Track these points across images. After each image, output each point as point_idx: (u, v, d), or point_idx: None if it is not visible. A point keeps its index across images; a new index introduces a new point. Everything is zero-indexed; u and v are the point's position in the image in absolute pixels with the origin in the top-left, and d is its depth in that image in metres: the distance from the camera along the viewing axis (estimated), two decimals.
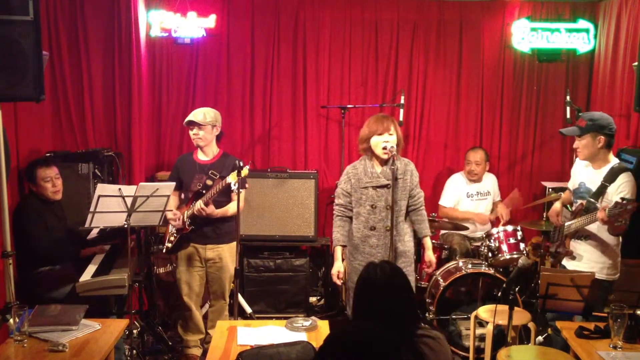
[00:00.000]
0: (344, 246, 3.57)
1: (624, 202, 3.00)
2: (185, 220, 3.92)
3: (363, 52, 5.26)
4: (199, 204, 3.81)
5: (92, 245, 4.00)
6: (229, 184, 3.68)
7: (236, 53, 5.19)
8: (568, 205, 3.71)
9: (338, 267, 3.52)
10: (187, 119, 3.99)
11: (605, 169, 3.32)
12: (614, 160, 3.35)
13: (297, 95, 5.28)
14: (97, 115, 5.01)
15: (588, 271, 3.29)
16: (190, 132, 4.01)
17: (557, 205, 3.69)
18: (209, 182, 3.93)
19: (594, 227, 3.30)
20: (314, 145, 5.34)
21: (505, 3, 5.20)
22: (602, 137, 3.28)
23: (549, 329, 3.59)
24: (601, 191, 3.28)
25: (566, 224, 3.47)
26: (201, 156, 4.07)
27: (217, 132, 4.05)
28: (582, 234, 3.39)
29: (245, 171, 3.64)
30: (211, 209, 3.84)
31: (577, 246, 3.45)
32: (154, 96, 5.15)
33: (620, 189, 3.22)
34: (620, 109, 4.53)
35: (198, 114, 3.96)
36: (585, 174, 3.47)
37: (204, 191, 3.90)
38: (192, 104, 5.19)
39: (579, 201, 3.45)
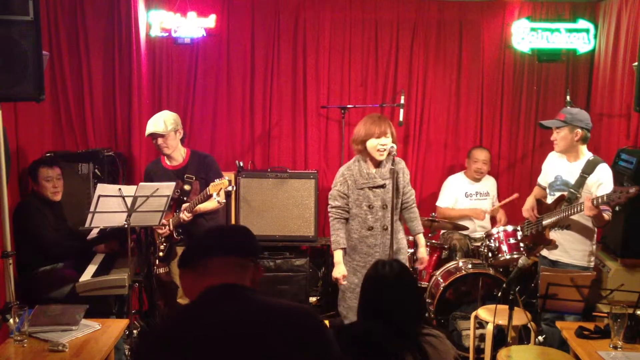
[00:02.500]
0: (344, 249, 3.55)
1: (625, 186, 3.07)
2: (172, 229, 3.91)
3: (363, 52, 5.26)
4: (184, 215, 3.81)
5: (94, 244, 4.00)
6: (210, 195, 3.68)
7: (236, 53, 5.19)
8: (541, 200, 3.79)
9: (342, 270, 3.51)
10: (147, 131, 3.91)
11: (582, 162, 3.51)
12: (588, 154, 3.55)
13: (297, 95, 5.28)
14: (97, 115, 5.02)
15: (570, 261, 3.51)
16: (154, 143, 3.95)
17: (531, 200, 3.81)
18: (187, 188, 3.92)
19: (577, 216, 3.45)
20: (314, 145, 5.33)
21: (505, 3, 5.19)
22: (580, 130, 3.49)
23: (542, 322, 3.64)
24: (581, 182, 3.46)
25: (547, 217, 3.58)
26: (170, 161, 4.03)
27: (180, 135, 3.99)
28: (563, 224, 3.55)
29: (225, 183, 3.64)
30: (194, 211, 3.86)
31: (558, 236, 3.60)
32: (154, 96, 5.14)
33: (600, 180, 3.40)
34: (620, 109, 4.53)
35: (158, 124, 3.87)
36: (560, 167, 3.64)
37: (184, 197, 3.89)
38: (192, 104, 5.19)
39: (558, 193, 3.58)
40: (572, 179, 3.52)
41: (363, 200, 3.51)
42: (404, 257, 3.61)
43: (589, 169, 3.45)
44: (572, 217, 3.46)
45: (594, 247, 3.57)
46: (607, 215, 3.33)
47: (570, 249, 3.55)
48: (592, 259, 3.56)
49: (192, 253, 1.72)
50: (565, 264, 3.55)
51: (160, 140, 3.89)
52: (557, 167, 3.67)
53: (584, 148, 3.56)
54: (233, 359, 1.49)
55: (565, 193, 3.51)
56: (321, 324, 1.62)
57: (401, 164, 3.62)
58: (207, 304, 1.61)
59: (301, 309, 1.64)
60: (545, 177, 3.81)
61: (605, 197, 3.13)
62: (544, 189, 3.80)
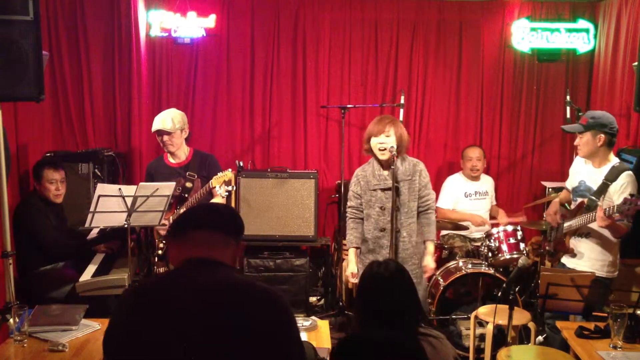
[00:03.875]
0: (357, 247, 3.58)
1: (634, 197, 2.98)
2: None
3: (363, 52, 5.26)
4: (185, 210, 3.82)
5: (94, 244, 3.99)
6: (212, 189, 3.68)
7: (236, 53, 5.19)
8: (567, 204, 3.72)
9: (352, 268, 3.55)
10: (155, 127, 3.91)
11: (606, 168, 3.33)
12: (614, 160, 3.37)
13: (297, 95, 5.28)
14: (97, 115, 5.03)
15: (588, 270, 3.32)
16: (160, 140, 3.95)
17: (555, 204, 3.69)
18: (189, 185, 3.93)
19: (595, 224, 3.28)
20: (314, 145, 5.33)
21: (505, 3, 5.20)
22: (603, 135, 3.30)
23: (545, 326, 3.61)
24: (603, 189, 3.29)
25: (566, 223, 3.47)
26: (173, 159, 4.04)
27: (185, 134, 4.01)
28: (583, 232, 3.40)
29: (228, 175, 3.65)
30: None
31: (577, 244, 3.45)
32: (154, 96, 5.14)
33: (622, 189, 3.23)
34: (620, 109, 4.53)
35: (166, 122, 3.88)
36: (585, 172, 3.48)
37: (185, 194, 3.89)
38: (192, 104, 5.19)
39: (579, 199, 3.45)
40: (595, 185, 3.36)
41: (375, 202, 3.52)
42: (416, 261, 3.54)
43: (612, 175, 3.28)
44: (593, 225, 3.30)
45: (617, 256, 3.39)
46: (624, 226, 3.18)
47: (590, 258, 3.39)
48: (613, 269, 3.37)
49: (179, 225, 1.82)
50: None
51: (166, 138, 3.91)
52: (582, 172, 3.51)
53: (610, 153, 3.37)
54: (180, 325, 1.58)
55: (586, 200, 3.36)
56: (281, 312, 1.66)
57: (419, 166, 3.59)
58: (180, 274, 1.73)
59: (264, 294, 1.68)
60: (570, 181, 3.64)
61: (615, 208, 3.03)
62: (571, 193, 3.64)
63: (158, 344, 1.58)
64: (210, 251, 1.74)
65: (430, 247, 3.59)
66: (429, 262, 3.58)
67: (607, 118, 3.33)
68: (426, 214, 3.59)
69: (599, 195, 3.29)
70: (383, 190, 3.50)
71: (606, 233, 3.31)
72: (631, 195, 3.04)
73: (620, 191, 3.23)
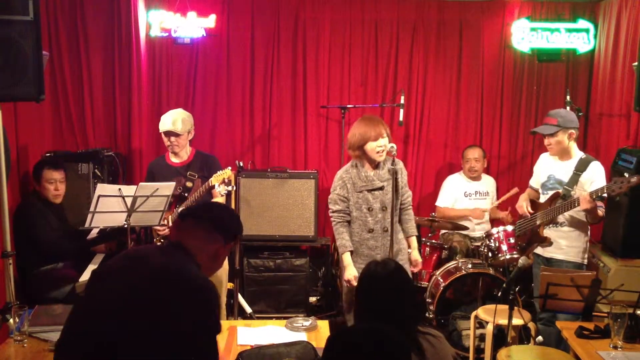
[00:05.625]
0: (351, 251, 3.53)
1: (627, 176, 3.17)
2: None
3: (363, 52, 5.26)
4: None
5: (94, 244, 4.00)
6: (212, 187, 3.69)
7: (236, 53, 5.19)
8: (535, 200, 3.85)
9: (352, 272, 3.47)
10: (165, 127, 3.92)
11: (574, 161, 3.60)
12: (579, 152, 3.64)
13: (297, 95, 5.28)
14: (97, 115, 5.03)
15: (564, 258, 3.58)
16: (166, 140, 3.97)
17: (524, 196, 3.88)
18: (189, 184, 3.94)
19: (573, 211, 3.52)
20: (314, 145, 5.33)
21: (505, 3, 5.20)
22: (573, 131, 3.57)
23: (538, 323, 3.65)
24: (575, 179, 3.54)
25: (541, 213, 3.64)
26: (175, 158, 4.07)
27: (191, 136, 4.05)
28: (558, 221, 3.62)
29: (228, 172, 3.66)
30: None
31: (552, 233, 3.64)
32: (154, 96, 5.14)
33: (593, 177, 3.49)
34: (620, 109, 4.53)
35: (177, 123, 3.90)
36: (553, 166, 3.71)
37: (185, 194, 3.91)
38: (192, 104, 5.19)
39: (551, 192, 3.64)
40: (566, 177, 3.58)
41: (362, 203, 3.51)
42: (404, 257, 3.60)
43: (582, 166, 3.53)
44: (567, 213, 3.53)
45: (588, 244, 3.64)
46: (600, 211, 3.43)
47: (565, 246, 3.60)
48: (586, 255, 3.63)
49: (180, 213, 2.06)
50: (560, 261, 3.61)
51: (173, 139, 3.95)
52: (550, 167, 3.73)
53: (575, 146, 3.64)
54: (124, 294, 1.79)
55: (560, 190, 3.56)
56: (203, 300, 1.83)
57: (399, 165, 3.62)
58: (151, 249, 1.99)
59: (196, 284, 1.84)
60: (537, 179, 3.86)
61: (605, 189, 3.21)
62: (536, 190, 3.86)
63: (99, 299, 1.83)
64: (184, 238, 1.92)
65: (414, 242, 3.70)
66: (417, 256, 3.69)
67: (571, 114, 3.64)
68: (406, 211, 3.68)
69: (572, 185, 3.53)
70: (369, 191, 3.50)
71: (580, 221, 3.54)
72: (621, 174, 3.20)
73: (591, 180, 3.49)
